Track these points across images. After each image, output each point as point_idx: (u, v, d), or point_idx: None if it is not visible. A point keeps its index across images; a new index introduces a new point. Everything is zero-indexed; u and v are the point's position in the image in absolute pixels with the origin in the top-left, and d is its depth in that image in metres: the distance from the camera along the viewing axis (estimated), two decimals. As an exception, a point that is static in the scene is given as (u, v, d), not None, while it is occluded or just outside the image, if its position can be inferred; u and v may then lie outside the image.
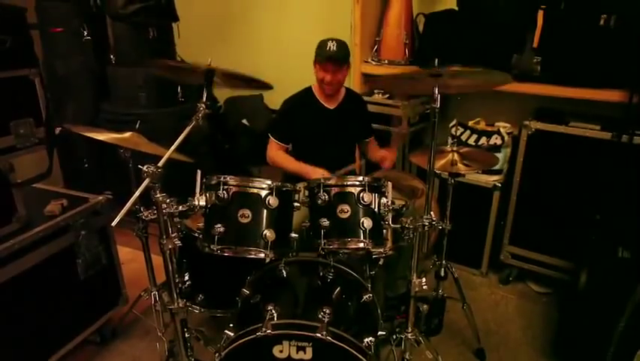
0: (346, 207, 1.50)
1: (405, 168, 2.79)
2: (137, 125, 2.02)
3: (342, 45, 2.14)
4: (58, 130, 2.88)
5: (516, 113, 2.63)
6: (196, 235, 1.58)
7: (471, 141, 2.66)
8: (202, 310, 1.95)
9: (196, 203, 1.48)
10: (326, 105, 2.31)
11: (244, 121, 3.32)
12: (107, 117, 2.86)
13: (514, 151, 2.55)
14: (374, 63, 2.92)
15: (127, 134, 1.80)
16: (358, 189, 1.52)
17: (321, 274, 1.71)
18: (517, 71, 2.35)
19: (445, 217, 2.06)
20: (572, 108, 2.44)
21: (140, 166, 1.31)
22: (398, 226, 1.54)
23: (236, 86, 1.67)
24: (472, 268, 2.79)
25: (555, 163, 2.41)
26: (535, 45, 2.31)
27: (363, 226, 1.49)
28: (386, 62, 2.89)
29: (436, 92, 1.46)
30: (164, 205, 1.35)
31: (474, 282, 2.73)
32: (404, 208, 1.78)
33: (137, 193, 1.27)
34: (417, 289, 1.59)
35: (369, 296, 1.68)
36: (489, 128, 2.65)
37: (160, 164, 1.32)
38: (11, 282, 1.71)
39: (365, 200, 1.50)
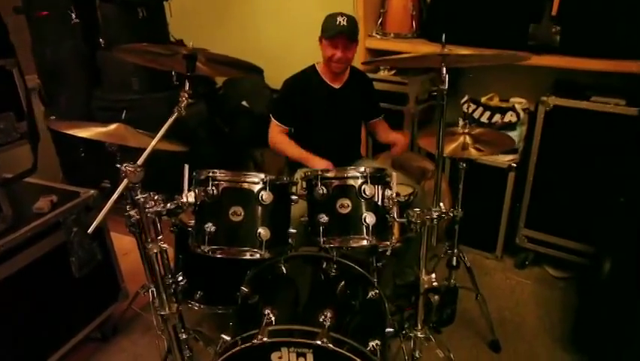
0: (347, 202, 1.38)
1: (414, 149, 2.64)
2: (123, 116, 1.90)
3: (352, 20, 2.01)
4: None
5: (533, 88, 2.45)
6: (190, 229, 1.48)
7: (484, 119, 2.49)
8: (201, 307, 1.88)
9: (184, 200, 1.37)
10: (332, 84, 2.17)
11: (244, 103, 3.17)
12: (100, 104, 2.74)
13: (530, 129, 2.39)
14: (379, 37, 2.74)
15: (112, 127, 1.67)
16: (360, 181, 1.39)
17: (324, 269, 1.61)
18: (534, 42, 2.17)
19: (457, 202, 1.93)
20: (594, 81, 2.26)
21: (118, 165, 1.20)
22: (404, 220, 1.41)
23: (224, 72, 1.53)
24: (487, 252, 2.67)
25: (575, 142, 2.24)
26: (554, 13, 2.13)
27: (365, 221, 1.37)
28: (392, 35, 2.70)
29: (444, 72, 1.30)
30: (149, 204, 1.24)
31: (488, 267, 2.61)
32: (411, 197, 1.66)
33: (114, 196, 1.17)
34: (426, 286, 1.47)
35: (376, 292, 1.58)
36: (503, 105, 2.47)
37: (140, 162, 1.21)
38: (4, 282, 1.65)
39: (367, 193, 1.38)
